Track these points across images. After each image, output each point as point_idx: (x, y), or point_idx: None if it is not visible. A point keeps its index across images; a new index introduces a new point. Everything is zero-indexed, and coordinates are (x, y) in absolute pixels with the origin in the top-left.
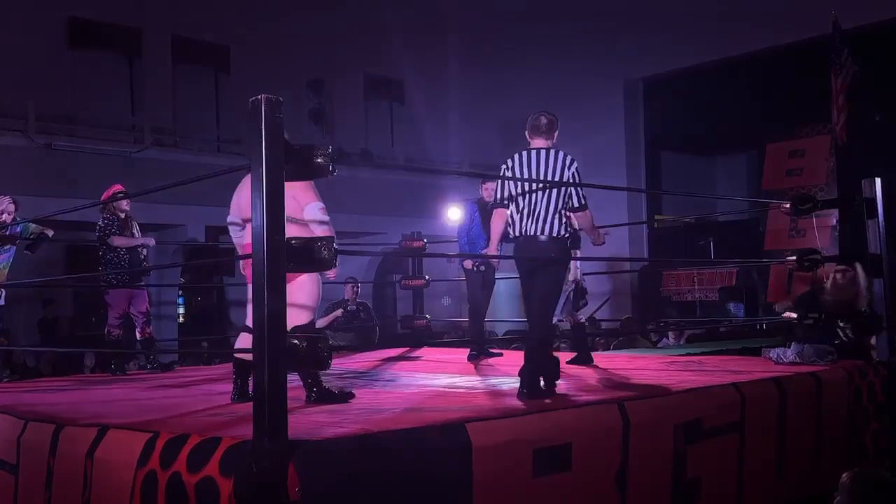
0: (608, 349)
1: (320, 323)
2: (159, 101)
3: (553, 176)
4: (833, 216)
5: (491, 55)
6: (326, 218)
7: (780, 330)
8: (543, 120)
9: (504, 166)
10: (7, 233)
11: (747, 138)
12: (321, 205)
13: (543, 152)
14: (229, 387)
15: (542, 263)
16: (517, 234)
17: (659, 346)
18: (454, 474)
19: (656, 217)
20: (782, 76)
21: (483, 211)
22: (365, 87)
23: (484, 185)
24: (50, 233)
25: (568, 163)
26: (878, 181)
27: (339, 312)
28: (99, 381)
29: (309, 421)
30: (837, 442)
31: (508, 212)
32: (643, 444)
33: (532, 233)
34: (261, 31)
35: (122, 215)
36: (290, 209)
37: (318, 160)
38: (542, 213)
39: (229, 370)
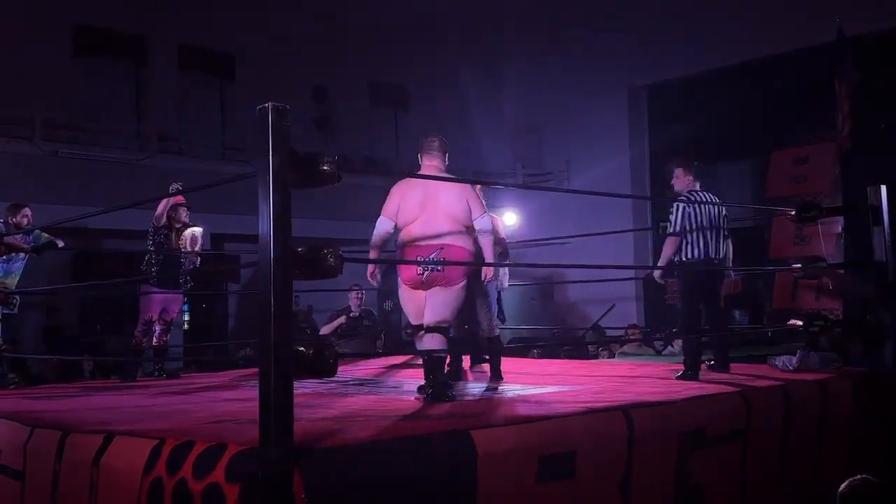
0: (613, 356)
1: (324, 330)
2: (164, 109)
3: (720, 208)
4: (838, 223)
5: (495, 62)
6: (490, 228)
7: (785, 338)
8: (695, 163)
9: (683, 202)
10: (21, 240)
11: (751, 145)
12: (490, 216)
13: (705, 192)
14: (234, 393)
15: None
16: (691, 256)
17: (664, 353)
18: (459, 481)
19: (661, 224)
20: (787, 83)
21: None
22: (369, 95)
23: None
24: (60, 243)
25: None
26: (883, 188)
27: (342, 319)
28: (105, 388)
29: (315, 428)
30: (841, 450)
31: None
32: (648, 451)
33: (713, 255)
34: (265, 40)
35: (179, 225)
36: (464, 217)
37: (324, 168)
38: (714, 240)
39: (234, 377)
